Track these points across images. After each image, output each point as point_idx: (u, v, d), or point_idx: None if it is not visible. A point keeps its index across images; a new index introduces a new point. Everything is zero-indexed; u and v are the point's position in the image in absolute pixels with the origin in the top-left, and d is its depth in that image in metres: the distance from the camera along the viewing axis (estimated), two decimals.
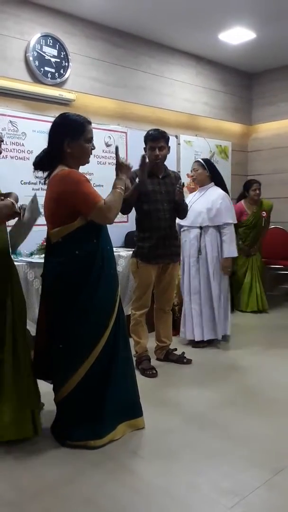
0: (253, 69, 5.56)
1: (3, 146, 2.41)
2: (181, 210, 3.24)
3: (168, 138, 3.16)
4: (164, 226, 3.12)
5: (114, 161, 2.35)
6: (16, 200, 2.22)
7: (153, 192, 3.07)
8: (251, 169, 5.97)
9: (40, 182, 3.86)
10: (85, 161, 2.29)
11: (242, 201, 4.93)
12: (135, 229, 3.27)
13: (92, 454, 2.13)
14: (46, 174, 2.29)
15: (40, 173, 2.31)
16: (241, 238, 4.83)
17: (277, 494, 1.86)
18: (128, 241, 4.33)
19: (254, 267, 4.90)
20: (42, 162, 2.25)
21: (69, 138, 2.18)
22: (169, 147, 3.18)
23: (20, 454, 2.14)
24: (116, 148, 2.35)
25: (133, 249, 3.24)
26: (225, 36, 4.46)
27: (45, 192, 2.28)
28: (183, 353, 3.40)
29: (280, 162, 5.61)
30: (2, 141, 2.33)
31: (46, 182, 2.27)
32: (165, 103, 4.77)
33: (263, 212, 4.92)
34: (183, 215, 3.30)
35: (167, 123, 4.76)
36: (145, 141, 3.14)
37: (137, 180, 2.96)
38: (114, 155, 2.36)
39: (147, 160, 2.92)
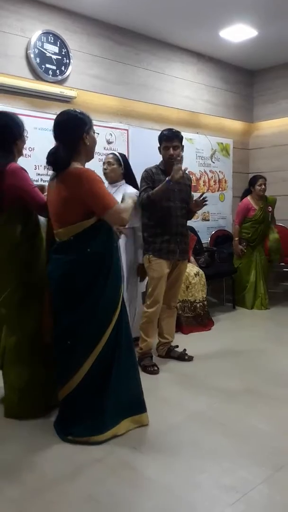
0: (254, 66, 5.55)
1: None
2: (190, 216, 3.35)
3: (182, 137, 3.22)
4: (176, 223, 3.16)
5: None
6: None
7: (167, 190, 3.09)
8: (253, 166, 5.96)
9: (41, 179, 3.88)
10: (93, 153, 2.34)
11: (248, 197, 4.93)
12: (142, 226, 3.27)
13: (93, 450, 2.13)
14: (52, 171, 2.28)
15: (41, 169, 2.31)
16: (248, 233, 4.85)
17: (278, 491, 1.86)
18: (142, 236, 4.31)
19: (258, 266, 4.90)
20: (58, 160, 2.20)
21: (85, 131, 2.23)
22: (183, 146, 3.22)
23: (22, 450, 2.15)
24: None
25: (144, 246, 3.25)
26: (226, 34, 4.45)
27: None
28: (185, 350, 3.40)
29: (282, 160, 5.59)
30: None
31: (55, 179, 2.24)
32: (167, 101, 4.76)
33: (269, 207, 4.94)
34: (189, 218, 3.37)
35: (169, 121, 4.76)
36: (160, 141, 3.20)
37: (167, 179, 2.98)
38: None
39: (180, 165, 2.97)
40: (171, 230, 3.14)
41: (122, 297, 2.32)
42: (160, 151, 3.23)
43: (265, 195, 4.94)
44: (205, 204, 3.21)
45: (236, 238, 4.94)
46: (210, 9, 3.94)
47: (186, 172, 3.25)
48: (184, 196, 3.23)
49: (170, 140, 3.13)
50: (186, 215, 3.27)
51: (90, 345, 2.21)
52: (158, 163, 3.25)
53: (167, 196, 3.11)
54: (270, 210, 4.95)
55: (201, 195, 3.19)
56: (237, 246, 4.93)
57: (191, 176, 4.93)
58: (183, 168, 2.97)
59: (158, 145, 3.22)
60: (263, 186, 4.86)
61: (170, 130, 3.20)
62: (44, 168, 3.70)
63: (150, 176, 3.15)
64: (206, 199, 3.17)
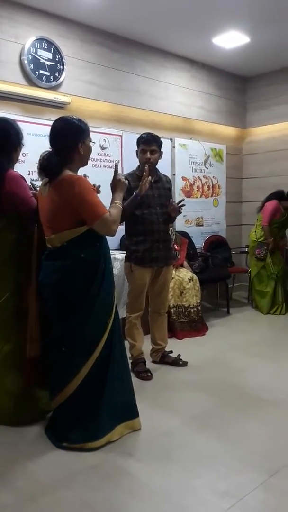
0: (247, 73, 5.60)
1: None
2: (171, 220, 3.29)
3: (161, 142, 3.16)
4: (157, 229, 3.13)
5: (109, 165, 2.37)
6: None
7: (146, 197, 3.07)
8: (246, 172, 6.00)
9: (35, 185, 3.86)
10: (87, 161, 2.33)
11: (281, 202, 4.95)
12: (124, 234, 3.26)
13: (88, 457, 2.13)
14: (45, 178, 2.27)
15: (35, 175, 2.31)
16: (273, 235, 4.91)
17: (273, 495, 1.86)
18: (123, 244, 4.34)
19: (278, 274, 4.91)
20: (52, 167, 2.20)
21: (81, 140, 2.23)
22: (162, 152, 3.18)
23: (17, 457, 2.14)
24: (116, 166, 2.44)
25: (126, 254, 3.24)
26: (219, 40, 4.49)
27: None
28: (179, 355, 3.40)
29: (274, 165, 5.64)
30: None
31: (48, 185, 2.23)
32: (160, 107, 4.79)
33: None
34: (171, 222, 3.34)
35: (162, 127, 4.78)
36: (138, 144, 3.15)
37: (134, 192, 2.94)
38: (109, 158, 2.38)
39: (118, 168, 2.87)
40: (153, 237, 3.11)
41: (115, 302, 2.32)
42: (137, 155, 3.16)
43: None
44: (181, 212, 3.16)
45: (271, 239, 4.90)
46: (203, 16, 3.97)
47: (163, 176, 3.24)
48: (164, 201, 3.17)
49: (148, 144, 3.07)
50: (167, 220, 3.21)
51: (87, 352, 2.21)
52: (134, 169, 3.20)
53: (147, 203, 3.08)
54: None
55: (179, 202, 3.14)
56: (271, 243, 4.92)
57: (184, 182, 4.94)
58: (148, 179, 2.88)
59: (136, 148, 3.16)
60: None
61: (149, 133, 3.14)
62: (38, 174, 3.71)
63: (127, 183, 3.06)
64: (183, 205, 3.12)
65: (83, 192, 2.13)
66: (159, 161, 3.20)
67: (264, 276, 4.96)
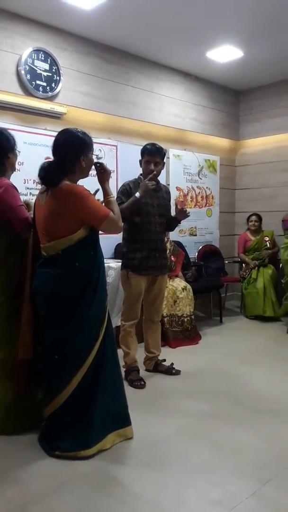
0: (240, 86, 5.69)
1: None
2: (174, 226, 3.38)
3: (164, 154, 3.22)
4: (155, 238, 3.16)
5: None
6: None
7: (145, 205, 3.11)
8: (239, 183, 6.07)
9: (30, 193, 3.89)
10: (88, 173, 2.34)
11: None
12: (122, 241, 3.29)
13: (79, 465, 2.11)
14: (42, 186, 2.28)
15: (30, 183, 2.33)
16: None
17: (266, 505, 1.86)
18: (118, 252, 4.35)
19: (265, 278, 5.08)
20: (51, 176, 2.21)
21: (84, 154, 2.25)
22: (164, 163, 3.24)
23: (7, 466, 2.12)
24: (97, 158, 2.44)
25: (122, 261, 3.26)
26: (213, 54, 4.57)
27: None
28: (172, 364, 3.40)
29: (266, 177, 5.72)
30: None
31: (46, 193, 2.24)
32: (155, 118, 4.84)
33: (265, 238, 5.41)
34: (173, 229, 3.41)
35: (157, 137, 4.83)
36: (142, 154, 3.19)
37: (137, 195, 2.99)
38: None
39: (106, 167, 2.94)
40: (150, 245, 3.14)
41: (108, 311, 2.33)
42: (140, 164, 3.21)
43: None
44: (188, 214, 3.22)
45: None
46: (198, 30, 4.05)
47: (163, 186, 3.30)
48: (163, 211, 3.22)
49: (153, 155, 3.12)
50: (164, 230, 3.28)
51: (79, 360, 2.21)
52: (137, 177, 3.25)
53: (146, 211, 3.12)
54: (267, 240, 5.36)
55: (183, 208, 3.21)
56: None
57: (178, 192, 4.99)
58: (150, 184, 2.98)
59: (140, 158, 3.20)
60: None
61: (153, 145, 3.17)
62: (34, 182, 3.73)
63: (127, 191, 3.12)
64: (187, 212, 3.21)
65: (83, 200, 2.16)
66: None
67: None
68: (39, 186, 2.36)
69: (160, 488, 1.96)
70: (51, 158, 2.29)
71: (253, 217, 5.43)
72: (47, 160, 2.34)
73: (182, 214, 3.21)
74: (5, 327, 2.40)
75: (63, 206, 2.17)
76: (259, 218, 5.43)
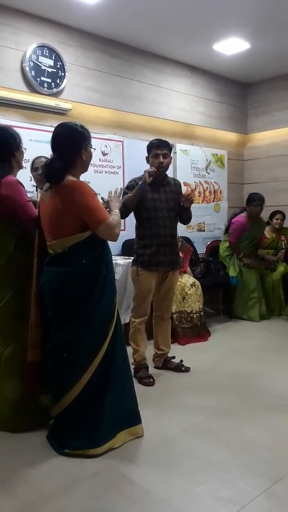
0: (248, 79, 5.62)
1: None
2: (186, 217, 3.30)
3: (171, 147, 3.21)
4: (164, 233, 3.13)
5: (111, 170, 2.38)
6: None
7: (153, 200, 3.09)
8: (247, 177, 6.01)
9: (36, 190, 3.88)
10: (88, 167, 2.33)
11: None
12: (134, 237, 3.27)
13: (90, 464, 2.11)
14: (46, 183, 2.27)
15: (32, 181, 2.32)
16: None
17: (276, 503, 1.84)
18: (125, 249, 4.34)
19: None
20: (55, 172, 2.19)
21: (84, 146, 2.24)
22: (171, 157, 3.21)
23: (18, 464, 2.12)
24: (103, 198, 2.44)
25: (133, 258, 3.24)
26: (219, 47, 4.52)
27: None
28: (181, 361, 3.38)
29: (276, 171, 5.64)
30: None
31: (50, 191, 2.23)
32: (161, 113, 4.80)
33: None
34: (187, 221, 3.35)
35: (163, 132, 4.80)
36: (149, 150, 3.16)
37: (139, 183, 2.98)
38: (111, 164, 2.39)
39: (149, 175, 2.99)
40: (159, 241, 3.11)
41: (116, 309, 2.31)
42: (148, 161, 3.18)
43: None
44: (192, 201, 3.19)
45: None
46: (204, 23, 4.00)
47: (172, 179, 3.28)
48: (171, 205, 3.17)
49: (161, 148, 3.10)
50: (175, 224, 3.23)
51: (88, 358, 2.20)
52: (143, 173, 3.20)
53: (154, 206, 3.10)
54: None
55: (188, 195, 3.19)
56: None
57: (186, 187, 4.94)
58: (152, 169, 2.99)
59: (146, 154, 3.18)
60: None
61: (159, 139, 3.17)
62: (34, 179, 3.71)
63: (133, 186, 3.09)
64: (191, 197, 3.18)
65: (85, 197, 2.14)
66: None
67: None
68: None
69: (170, 486, 1.95)
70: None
71: (279, 215, 5.12)
72: (40, 156, 2.32)
73: (188, 200, 3.16)
74: (13, 322, 2.40)
75: (66, 202, 2.15)
76: (283, 216, 5.13)
